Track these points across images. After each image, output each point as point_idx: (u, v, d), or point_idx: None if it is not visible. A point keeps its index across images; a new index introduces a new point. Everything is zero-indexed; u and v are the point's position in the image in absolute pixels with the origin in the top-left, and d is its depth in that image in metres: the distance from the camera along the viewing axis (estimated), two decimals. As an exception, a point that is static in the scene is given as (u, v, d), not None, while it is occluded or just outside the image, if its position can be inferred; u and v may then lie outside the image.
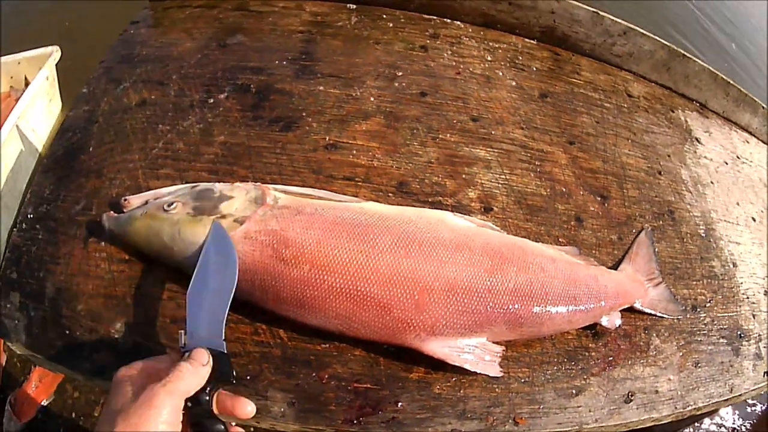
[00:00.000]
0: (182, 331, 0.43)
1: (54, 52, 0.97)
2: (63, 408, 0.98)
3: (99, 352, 0.48)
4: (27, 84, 0.96)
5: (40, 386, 0.97)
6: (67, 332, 0.48)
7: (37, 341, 0.48)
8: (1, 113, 0.92)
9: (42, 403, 0.97)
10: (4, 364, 0.99)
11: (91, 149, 0.58)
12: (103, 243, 0.52)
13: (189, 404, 0.40)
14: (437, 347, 0.49)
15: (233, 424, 0.44)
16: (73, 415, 0.97)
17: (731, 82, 0.85)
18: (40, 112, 0.95)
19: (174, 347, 0.47)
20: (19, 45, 1.02)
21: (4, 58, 1.00)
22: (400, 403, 0.49)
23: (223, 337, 0.43)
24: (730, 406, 1.16)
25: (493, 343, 0.51)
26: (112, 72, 0.65)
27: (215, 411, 0.42)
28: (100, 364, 0.47)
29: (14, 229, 0.54)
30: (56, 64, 0.98)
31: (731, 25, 1.96)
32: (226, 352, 0.43)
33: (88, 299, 0.50)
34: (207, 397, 0.41)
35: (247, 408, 0.43)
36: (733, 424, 1.18)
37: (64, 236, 0.52)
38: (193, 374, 0.40)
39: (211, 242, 0.47)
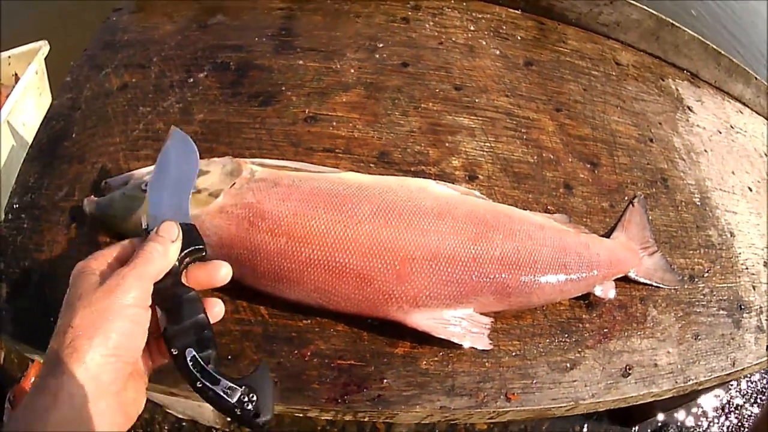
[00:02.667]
0: (144, 215, 0.40)
1: (43, 47, 0.97)
2: (62, 402, 0.96)
3: None
4: (17, 80, 0.96)
5: None
6: (52, 320, 0.47)
7: (24, 331, 0.47)
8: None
9: None
10: (2, 360, 0.98)
11: (74, 135, 0.58)
12: (85, 228, 0.51)
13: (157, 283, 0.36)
14: (422, 319, 0.47)
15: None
16: None
17: (722, 52, 0.83)
18: (31, 106, 0.94)
19: None
20: (11, 42, 1.02)
21: None
22: (385, 380, 0.47)
23: (189, 212, 0.41)
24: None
25: (481, 314, 0.49)
26: (94, 59, 0.65)
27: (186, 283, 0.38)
28: None
29: (1, 221, 0.53)
30: (45, 58, 0.98)
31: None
32: (192, 223, 0.40)
33: None
34: (177, 269, 0.37)
35: (222, 270, 0.39)
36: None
37: (48, 223, 0.52)
38: (163, 254, 0.36)
39: (170, 143, 0.46)
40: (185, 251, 0.38)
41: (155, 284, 0.36)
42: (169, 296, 0.36)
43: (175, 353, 0.35)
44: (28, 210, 0.53)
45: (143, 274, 0.35)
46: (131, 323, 0.33)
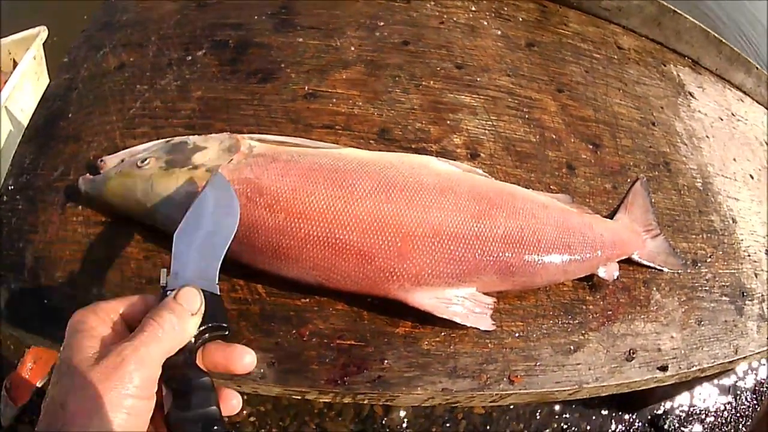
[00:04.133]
0: (164, 270, 0.34)
1: (41, 32, 0.96)
2: (58, 389, 0.95)
3: None
4: (15, 66, 0.95)
5: (35, 368, 0.95)
6: (46, 301, 0.46)
7: (17, 314, 0.46)
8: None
9: (37, 385, 0.94)
10: None
11: (70, 115, 0.57)
12: (80, 207, 0.50)
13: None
14: (423, 298, 0.46)
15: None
16: None
17: (723, 40, 0.83)
18: (29, 91, 0.94)
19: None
20: (8, 28, 1.01)
21: None
22: (386, 361, 0.46)
23: (217, 279, 0.35)
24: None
25: (484, 294, 0.48)
26: (92, 39, 0.64)
27: (202, 366, 0.33)
28: None
29: None
30: (44, 44, 0.97)
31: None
32: (219, 294, 0.34)
33: (65, 265, 0.47)
34: (192, 346, 0.32)
35: (245, 358, 0.33)
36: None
37: (43, 204, 0.50)
38: (178, 329, 0.30)
39: (209, 188, 0.41)
40: (204, 326, 0.33)
41: (165, 365, 0.31)
42: (179, 377, 0.31)
43: None
44: (23, 191, 0.52)
45: (148, 356, 0.29)
46: (128, 416, 0.28)
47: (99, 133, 0.55)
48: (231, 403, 0.34)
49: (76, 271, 0.47)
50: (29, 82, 0.93)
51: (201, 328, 0.33)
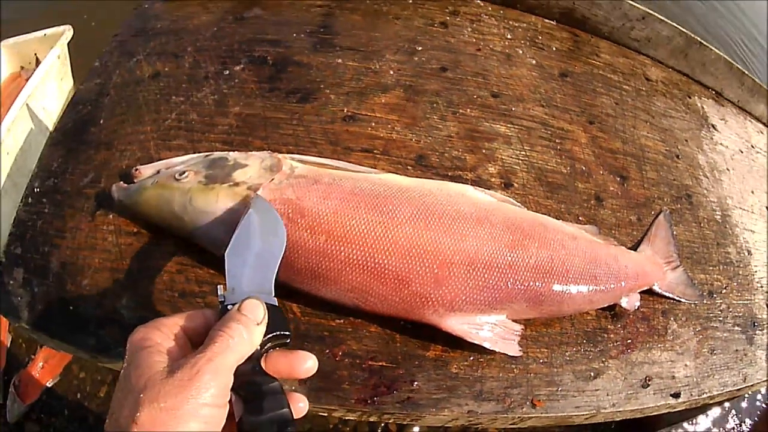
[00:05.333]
0: (221, 285, 0.36)
1: (66, 31, 0.96)
2: (68, 389, 0.95)
3: (104, 327, 0.46)
4: (38, 64, 0.95)
5: (46, 367, 0.96)
6: (71, 308, 0.46)
7: (40, 318, 0.46)
8: (12, 93, 0.91)
9: (47, 385, 0.95)
10: (8, 344, 0.97)
11: (101, 121, 0.57)
12: (111, 216, 0.50)
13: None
14: (456, 324, 0.47)
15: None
16: (78, 396, 0.95)
17: (746, 72, 0.84)
18: (52, 90, 0.93)
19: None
20: (33, 26, 1.01)
21: (15, 39, 0.99)
22: (415, 383, 0.47)
23: (273, 293, 0.37)
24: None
25: (513, 321, 0.49)
26: (125, 45, 0.64)
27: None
28: (105, 341, 0.45)
29: (20, 204, 0.52)
30: (69, 43, 0.96)
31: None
32: (277, 305, 0.36)
33: (93, 273, 0.48)
34: (258, 354, 0.34)
35: (307, 363, 0.34)
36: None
37: (71, 209, 0.51)
38: (246, 339, 0.31)
39: (253, 210, 0.43)
40: (268, 335, 0.34)
41: (235, 375, 0.32)
42: (249, 384, 0.32)
43: None
44: (50, 194, 0.52)
45: (223, 365, 0.30)
46: (205, 425, 0.29)
47: (132, 142, 0.55)
48: (298, 406, 0.36)
49: (105, 280, 0.47)
50: (53, 82, 0.93)
51: (265, 338, 0.34)
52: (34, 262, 0.48)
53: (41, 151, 0.55)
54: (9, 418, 0.91)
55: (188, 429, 0.28)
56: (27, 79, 0.90)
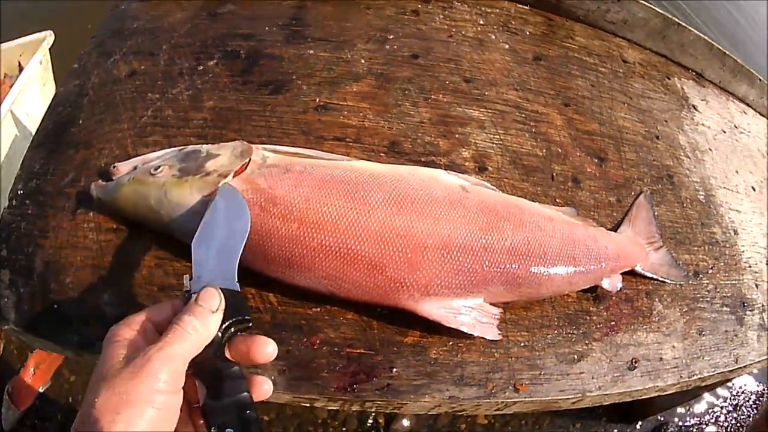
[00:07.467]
0: (186, 276, 0.37)
1: (48, 37, 0.97)
2: (60, 393, 0.97)
3: (87, 324, 0.46)
4: (21, 70, 0.95)
5: (37, 372, 0.96)
6: (55, 306, 0.47)
7: (26, 318, 0.46)
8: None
9: (39, 390, 0.95)
10: (1, 352, 0.97)
11: (80, 122, 0.57)
12: (91, 213, 0.51)
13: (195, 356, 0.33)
14: (432, 308, 0.47)
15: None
16: (70, 399, 0.97)
17: (727, 52, 0.84)
18: (35, 96, 0.94)
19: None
20: (15, 32, 1.01)
21: None
22: (395, 369, 0.47)
23: (236, 278, 0.38)
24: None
25: (491, 304, 0.49)
26: (103, 46, 0.64)
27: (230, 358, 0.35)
28: (88, 337, 0.45)
29: (5, 208, 0.52)
30: (50, 49, 0.97)
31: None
32: (239, 291, 0.37)
33: (76, 271, 0.48)
34: (219, 340, 0.34)
35: (267, 348, 0.35)
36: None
37: (53, 209, 0.51)
38: (201, 329, 0.32)
39: (219, 197, 0.44)
40: (229, 321, 0.35)
41: (194, 361, 0.33)
42: (209, 370, 0.34)
43: None
44: (32, 196, 0.52)
45: (174, 354, 0.31)
46: (158, 411, 0.30)
47: (110, 141, 0.55)
48: (263, 388, 0.36)
49: (87, 278, 0.48)
50: (35, 87, 0.94)
51: (226, 323, 0.35)
52: (19, 263, 0.48)
53: (24, 154, 0.55)
54: (4, 425, 0.91)
55: (141, 413, 0.29)
56: (11, 86, 0.91)
